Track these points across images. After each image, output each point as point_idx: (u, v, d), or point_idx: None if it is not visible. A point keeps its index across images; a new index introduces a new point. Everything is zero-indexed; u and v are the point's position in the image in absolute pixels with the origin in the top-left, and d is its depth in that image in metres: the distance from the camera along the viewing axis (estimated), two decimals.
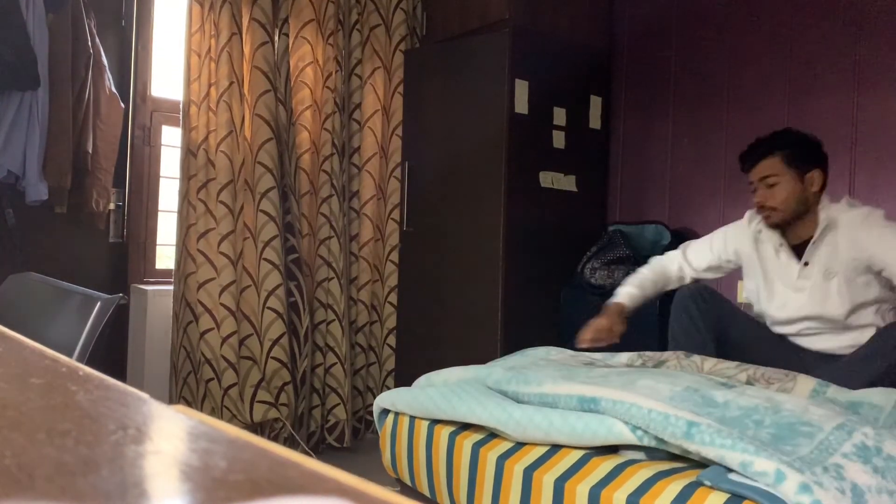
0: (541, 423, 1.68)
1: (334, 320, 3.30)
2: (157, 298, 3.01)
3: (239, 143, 3.04)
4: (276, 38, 3.18)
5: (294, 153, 3.26)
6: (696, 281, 2.51)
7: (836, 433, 1.47)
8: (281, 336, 3.06)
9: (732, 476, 1.39)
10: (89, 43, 2.74)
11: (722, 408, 1.60)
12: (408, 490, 2.01)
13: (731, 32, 3.33)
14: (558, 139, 3.34)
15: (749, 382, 1.96)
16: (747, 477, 1.36)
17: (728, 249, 2.51)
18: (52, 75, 2.62)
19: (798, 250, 2.30)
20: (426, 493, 1.96)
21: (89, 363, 1.03)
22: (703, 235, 3.43)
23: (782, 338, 2.42)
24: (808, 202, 2.23)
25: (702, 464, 1.50)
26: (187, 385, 2.98)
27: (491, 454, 1.76)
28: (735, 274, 3.33)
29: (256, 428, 3.00)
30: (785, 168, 2.21)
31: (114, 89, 2.85)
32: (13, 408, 0.46)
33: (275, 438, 3.06)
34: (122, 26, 3.04)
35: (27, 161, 2.56)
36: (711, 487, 1.38)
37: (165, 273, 3.16)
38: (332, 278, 3.31)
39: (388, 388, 3.41)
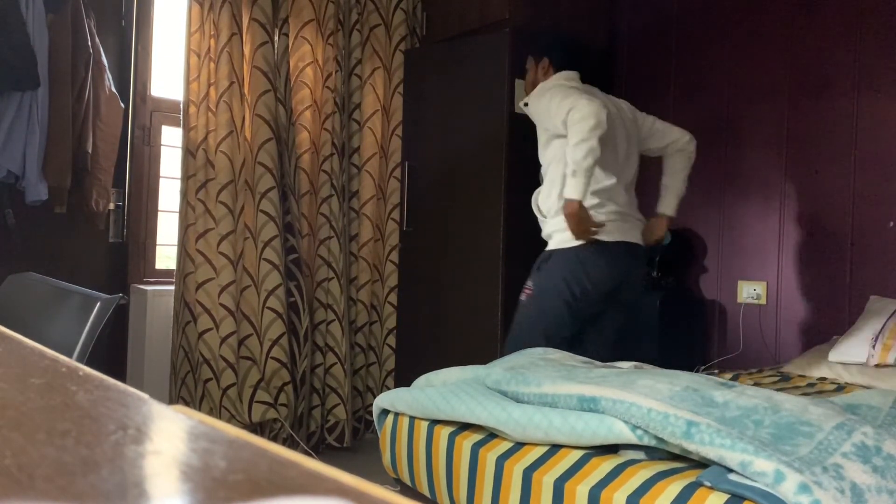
0: (540, 423, 1.68)
1: (334, 320, 3.30)
2: (157, 298, 3.01)
3: (239, 143, 3.04)
4: (276, 38, 3.18)
5: (294, 153, 3.26)
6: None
7: (835, 433, 1.47)
8: (281, 336, 3.06)
9: (732, 476, 1.39)
10: (89, 43, 2.74)
11: (721, 407, 1.60)
12: (408, 490, 2.01)
13: (731, 32, 3.34)
14: None
15: None
16: (747, 477, 1.36)
17: None
18: (52, 75, 2.62)
19: None
20: (426, 493, 1.96)
21: (89, 363, 1.03)
22: (703, 235, 3.44)
23: None
24: (538, 82, 2.67)
25: (702, 464, 1.50)
26: (185, 385, 2.97)
27: (490, 455, 1.76)
28: (735, 273, 3.34)
29: (255, 428, 3.00)
30: (529, 58, 2.76)
31: (114, 89, 2.85)
32: (13, 408, 0.46)
33: (274, 439, 3.06)
34: (122, 26, 3.04)
35: (27, 161, 2.56)
36: (711, 488, 1.38)
37: (165, 273, 3.16)
38: (332, 278, 3.31)
39: (388, 388, 3.41)
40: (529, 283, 2.54)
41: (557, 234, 2.49)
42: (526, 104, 2.64)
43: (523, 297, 2.55)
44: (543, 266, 2.50)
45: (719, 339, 3.37)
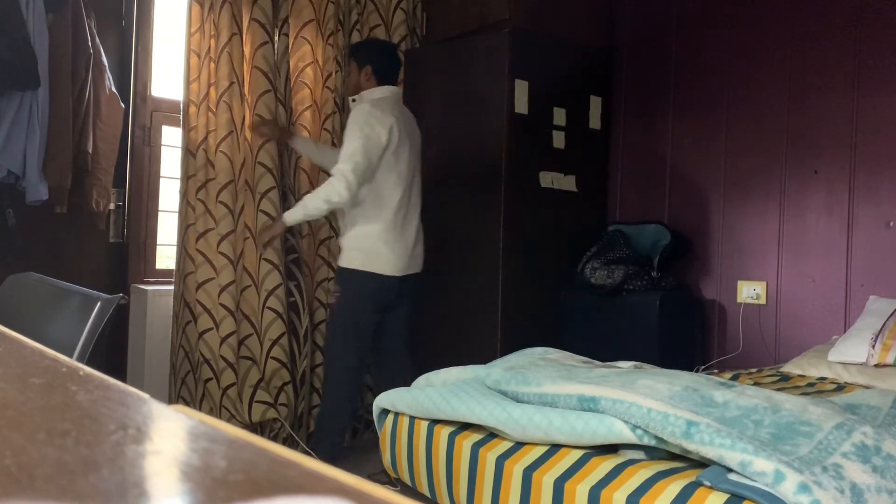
0: (540, 423, 1.68)
1: None
2: (157, 298, 3.01)
3: (239, 143, 3.04)
4: (276, 38, 3.18)
5: (294, 153, 3.26)
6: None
7: (835, 433, 1.47)
8: (281, 336, 3.06)
9: (732, 476, 1.39)
10: (89, 43, 2.74)
11: (721, 407, 1.60)
12: (408, 490, 2.01)
13: (731, 33, 3.33)
14: (558, 139, 3.34)
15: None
16: (746, 477, 1.36)
17: None
18: (52, 75, 2.62)
19: None
20: (426, 493, 1.96)
21: (89, 363, 1.03)
22: (703, 235, 3.44)
23: None
24: (361, 87, 2.86)
25: (702, 464, 1.50)
26: (185, 385, 2.97)
27: (490, 454, 1.76)
28: (735, 273, 3.33)
29: (255, 428, 3.00)
30: (352, 61, 2.91)
31: (114, 89, 2.85)
32: (13, 408, 0.46)
33: (274, 439, 3.06)
34: (122, 26, 3.04)
35: (27, 161, 2.56)
36: (711, 487, 1.38)
37: (165, 273, 3.16)
38: (332, 278, 3.31)
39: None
40: (337, 288, 2.85)
41: (353, 252, 2.78)
42: (354, 100, 2.88)
43: (333, 300, 2.86)
44: (341, 281, 2.83)
45: (719, 339, 3.37)
